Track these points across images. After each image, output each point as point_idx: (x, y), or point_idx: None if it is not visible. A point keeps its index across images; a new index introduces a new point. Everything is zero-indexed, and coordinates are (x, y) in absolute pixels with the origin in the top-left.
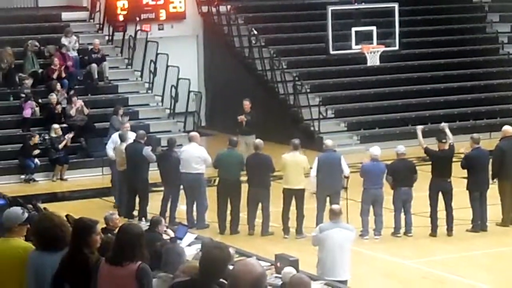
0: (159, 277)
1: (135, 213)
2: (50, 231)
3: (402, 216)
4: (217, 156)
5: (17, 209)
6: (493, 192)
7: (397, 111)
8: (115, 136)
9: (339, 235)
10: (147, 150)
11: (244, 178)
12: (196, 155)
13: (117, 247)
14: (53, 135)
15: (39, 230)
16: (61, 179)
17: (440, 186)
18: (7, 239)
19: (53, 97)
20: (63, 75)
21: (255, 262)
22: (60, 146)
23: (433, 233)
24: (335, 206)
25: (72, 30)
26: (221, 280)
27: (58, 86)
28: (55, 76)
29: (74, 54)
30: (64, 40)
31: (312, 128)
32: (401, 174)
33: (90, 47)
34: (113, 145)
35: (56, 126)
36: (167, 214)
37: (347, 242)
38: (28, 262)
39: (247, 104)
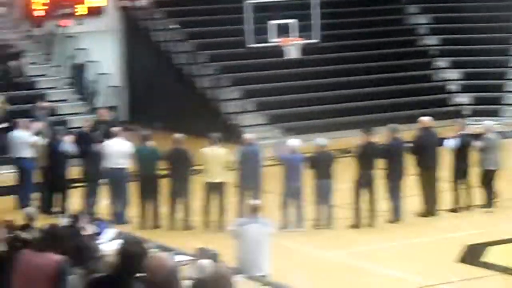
0: (76, 273)
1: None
2: None
3: (323, 208)
4: (132, 151)
5: None
6: (412, 182)
7: (318, 104)
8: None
9: (257, 230)
10: (64, 146)
11: (162, 172)
12: (120, 150)
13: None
14: None
15: None
16: None
17: (364, 177)
18: None
19: None
20: None
21: (166, 256)
22: None
23: (356, 224)
24: (253, 202)
25: None
26: (138, 274)
27: None
28: None
29: None
30: None
31: (234, 122)
32: (322, 166)
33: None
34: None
35: None
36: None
37: (265, 237)
38: None
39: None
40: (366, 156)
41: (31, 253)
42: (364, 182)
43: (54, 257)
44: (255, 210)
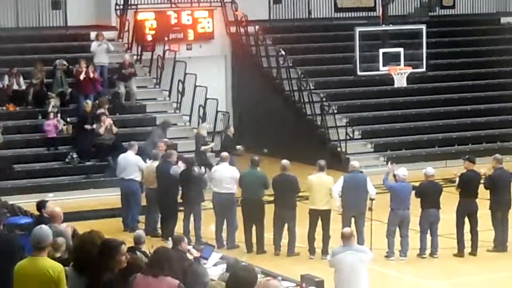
0: None
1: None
2: (91, 255)
3: (428, 237)
4: (240, 175)
5: (47, 228)
6: None
7: (424, 133)
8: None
9: (351, 258)
10: (175, 169)
11: (267, 198)
12: (227, 175)
13: (149, 265)
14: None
15: (79, 252)
16: None
17: (468, 207)
18: (36, 258)
19: (88, 105)
20: (91, 75)
21: (278, 284)
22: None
23: (460, 253)
24: (345, 230)
25: (104, 34)
26: None
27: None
28: (81, 77)
29: (105, 63)
30: (94, 45)
31: (339, 149)
32: (429, 196)
33: (120, 63)
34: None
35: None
36: (191, 233)
37: (361, 264)
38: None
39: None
40: (468, 185)
41: (146, 278)
42: (466, 210)
43: (172, 282)
44: (347, 238)
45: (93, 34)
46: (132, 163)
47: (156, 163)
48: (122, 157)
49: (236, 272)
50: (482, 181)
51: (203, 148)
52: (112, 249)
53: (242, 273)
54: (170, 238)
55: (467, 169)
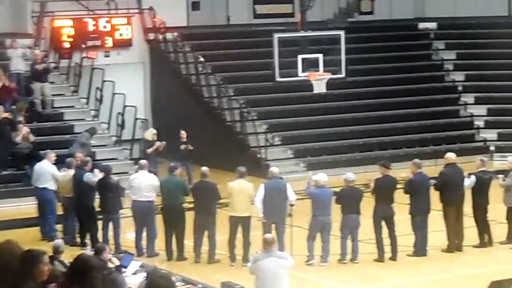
0: None
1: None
2: (9, 265)
3: (349, 242)
4: (159, 183)
5: None
6: (437, 217)
7: (343, 138)
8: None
9: (272, 265)
10: (88, 176)
11: (187, 205)
12: (147, 183)
13: (70, 274)
14: None
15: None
16: None
17: (384, 212)
18: None
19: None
20: (6, 83)
21: None
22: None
23: (380, 258)
24: (267, 236)
25: (18, 41)
26: None
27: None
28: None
29: (21, 70)
30: (9, 52)
31: (259, 155)
32: (350, 201)
33: (32, 61)
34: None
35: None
36: (110, 242)
37: (282, 270)
38: None
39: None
40: (382, 190)
41: None
42: (382, 215)
43: None
44: (269, 244)
45: (9, 42)
46: (46, 172)
47: (71, 171)
48: (37, 166)
49: (153, 279)
50: (401, 185)
51: (149, 150)
52: (35, 258)
53: (159, 281)
54: (88, 246)
55: (382, 174)
